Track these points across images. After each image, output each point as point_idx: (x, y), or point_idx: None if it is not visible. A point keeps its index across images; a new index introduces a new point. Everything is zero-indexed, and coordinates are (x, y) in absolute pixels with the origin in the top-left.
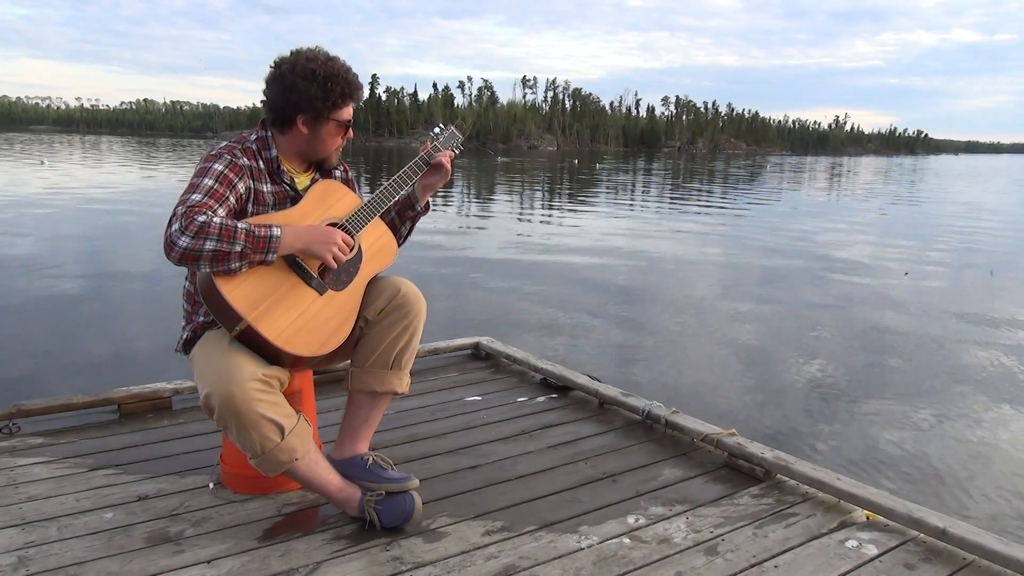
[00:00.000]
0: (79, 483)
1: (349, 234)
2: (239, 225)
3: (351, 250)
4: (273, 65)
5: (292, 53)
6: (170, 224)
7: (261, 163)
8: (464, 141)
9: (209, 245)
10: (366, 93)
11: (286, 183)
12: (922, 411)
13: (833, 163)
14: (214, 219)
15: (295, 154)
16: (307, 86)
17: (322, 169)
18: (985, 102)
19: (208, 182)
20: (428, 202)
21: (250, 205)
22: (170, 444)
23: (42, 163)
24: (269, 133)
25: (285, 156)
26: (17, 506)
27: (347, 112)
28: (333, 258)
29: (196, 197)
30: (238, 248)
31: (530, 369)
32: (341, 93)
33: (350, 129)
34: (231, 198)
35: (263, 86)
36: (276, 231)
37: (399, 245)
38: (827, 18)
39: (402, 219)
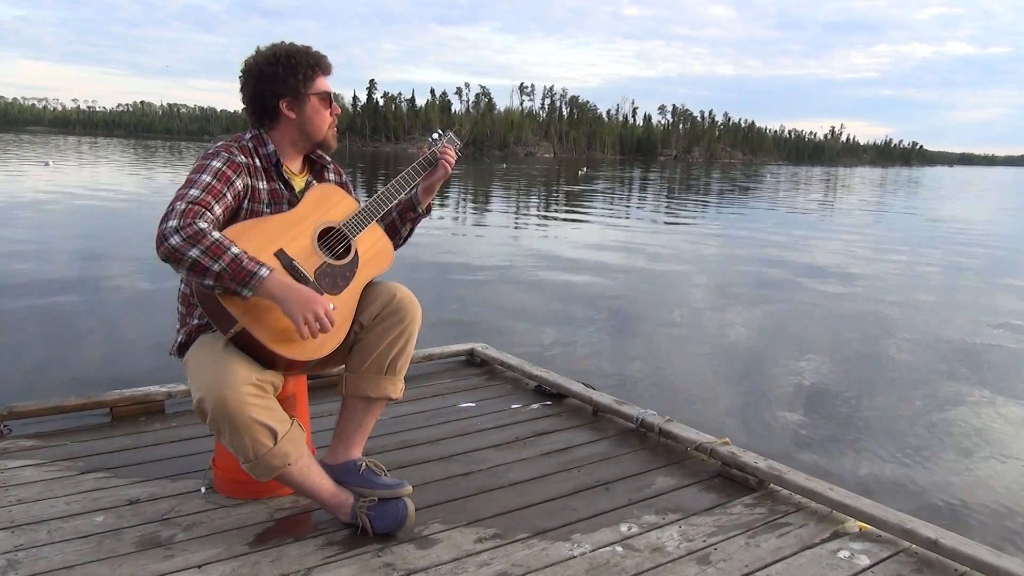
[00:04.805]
0: (70, 486)
1: (346, 238)
2: (232, 249)
3: (331, 324)
4: (240, 72)
5: (252, 53)
6: (167, 218)
7: (258, 160)
8: (462, 147)
9: (193, 253)
10: (363, 96)
11: (283, 182)
12: (915, 421)
13: (829, 174)
14: (213, 233)
15: (291, 146)
16: (273, 70)
17: (316, 169)
18: (979, 114)
19: (206, 178)
20: (430, 204)
21: (246, 202)
22: (162, 448)
23: (47, 164)
24: (262, 130)
25: (282, 152)
26: (7, 509)
27: (322, 84)
28: (306, 326)
29: (194, 193)
30: (216, 268)
31: (524, 376)
32: (308, 64)
33: (335, 104)
34: (228, 195)
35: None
36: (264, 272)
37: (399, 246)
38: (822, 29)
39: (403, 220)
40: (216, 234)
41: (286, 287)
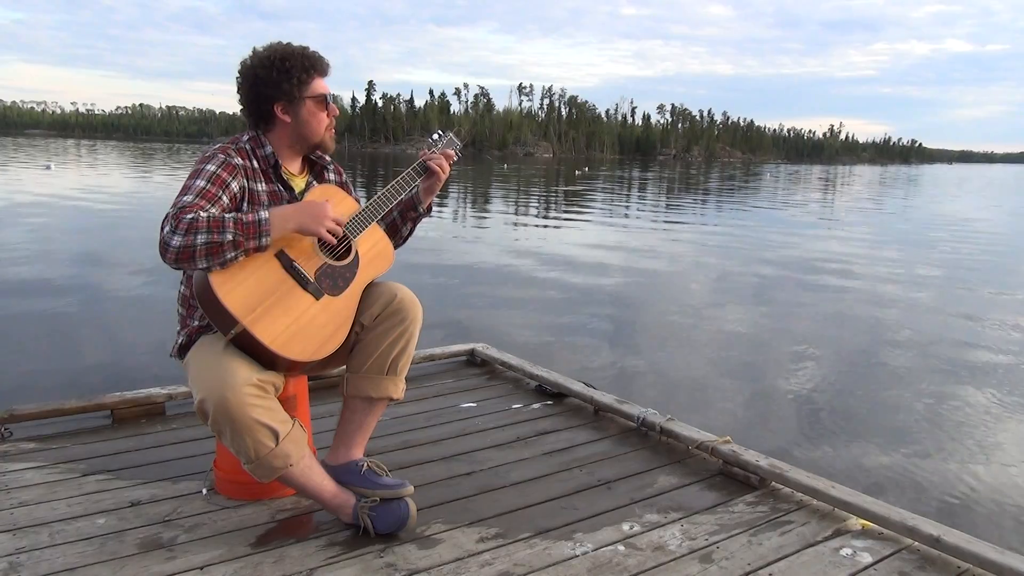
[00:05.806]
0: (71, 488)
1: (347, 239)
2: (226, 215)
3: (341, 229)
4: (237, 73)
5: (249, 53)
6: (162, 228)
7: (256, 162)
8: (462, 147)
9: (201, 239)
10: (362, 97)
11: (281, 183)
12: (916, 419)
13: (828, 172)
14: (201, 214)
15: (288, 148)
16: (267, 73)
17: (316, 169)
18: (978, 112)
19: (200, 183)
20: (431, 204)
21: (245, 204)
22: (163, 449)
23: (48, 168)
24: (260, 132)
25: (280, 154)
26: (8, 511)
27: (319, 86)
28: (329, 232)
29: (187, 199)
30: (229, 237)
31: (525, 376)
32: (302, 68)
33: (331, 104)
34: (224, 197)
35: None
36: (264, 214)
37: (399, 246)
38: (819, 27)
39: (404, 219)
40: (204, 213)
41: (289, 213)
